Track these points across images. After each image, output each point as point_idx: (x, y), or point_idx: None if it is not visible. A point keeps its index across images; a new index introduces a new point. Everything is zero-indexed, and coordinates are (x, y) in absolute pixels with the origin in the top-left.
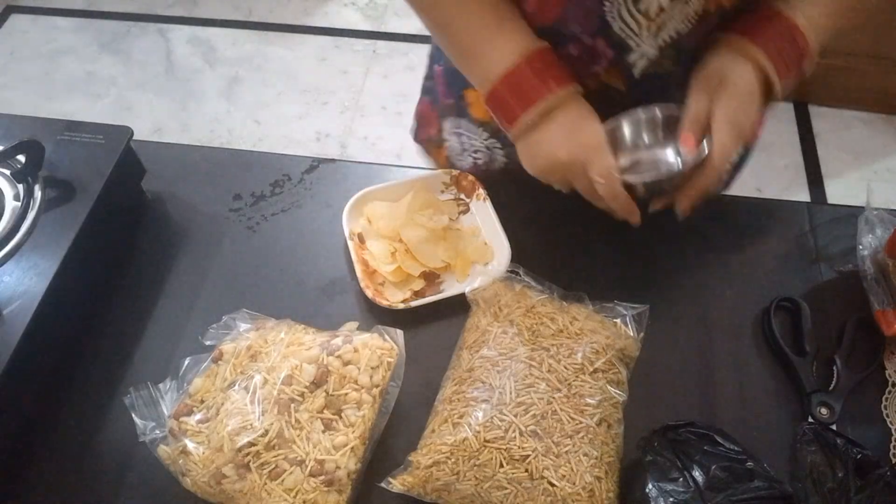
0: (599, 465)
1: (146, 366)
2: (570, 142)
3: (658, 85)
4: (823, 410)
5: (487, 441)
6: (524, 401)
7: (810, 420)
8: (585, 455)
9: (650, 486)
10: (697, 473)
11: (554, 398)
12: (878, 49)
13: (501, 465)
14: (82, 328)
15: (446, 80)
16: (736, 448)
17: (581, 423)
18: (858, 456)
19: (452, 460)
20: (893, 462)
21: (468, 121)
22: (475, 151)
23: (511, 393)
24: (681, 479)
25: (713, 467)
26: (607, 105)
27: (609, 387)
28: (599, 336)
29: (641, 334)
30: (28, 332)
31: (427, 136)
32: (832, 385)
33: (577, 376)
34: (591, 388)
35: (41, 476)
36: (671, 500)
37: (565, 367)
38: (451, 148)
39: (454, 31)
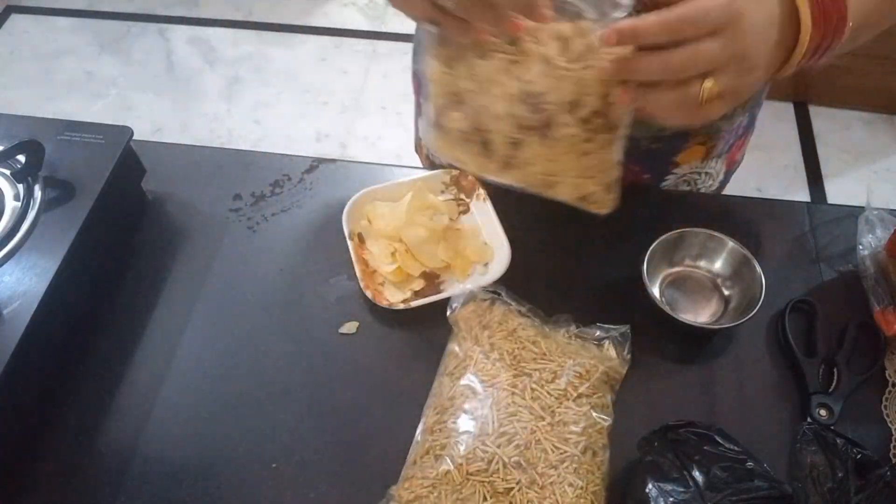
0: (585, 495)
1: (146, 366)
2: None
3: None
4: (822, 412)
5: (470, 474)
6: (507, 430)
7: (810, 420)
8: (570, 485)
9: (650, 486)
10: (697, 473)
11: (537, 427)
12: (878, 49)
13: (485, 499)
14: (82, 328)
15: (417, 81)
16: (736, 448)
17: (565, 451)
18: (858, 456)
19: (435, 494)
20: (893, 462)
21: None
22: None
23: (494, 423)
24: (681, 479)
25: (713, 467)
26: None
27: (594, 412)
28: (583, 359)
29: (628, 355)
30: (28, 332)
31: (415, 140)
32: (832, 387)
33: (560, 403)
34: (574, 414)
35: (41, 476)
36: (671, 500)
37: (548, 394)
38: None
39: None
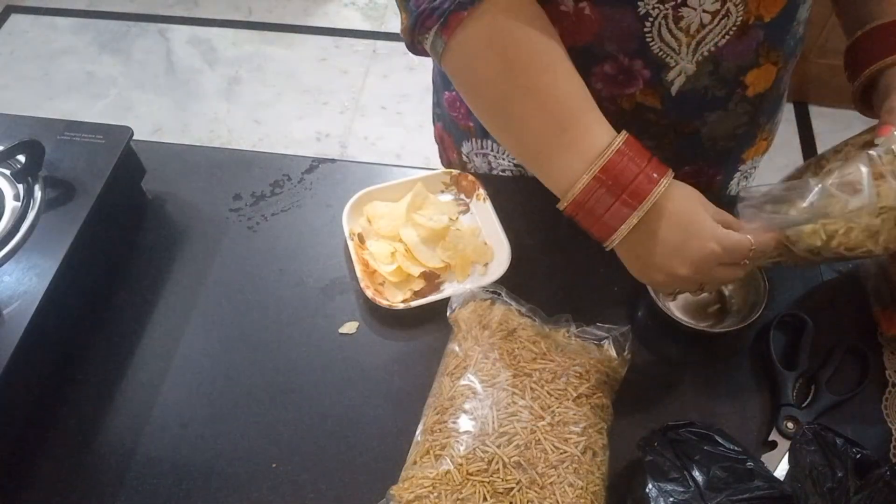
0: (585, 495)
1: (146, 366)
2: (689, 251)
3: (694, 101)
4: (790, 424)
5: (470, 474)
6: (507, 430)
7: (788, 425)
8: (570, 486)
9: (650, 486)
10: (697, 473)
11: (537, 427)
12: None
13: (485, 499)
14: (82, 328)
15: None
16: (736, 448)
17: (565, 451)
18: (858, 456)
19: (435, 494)
20: (893, 462)
21: (493, 141)
22: (503, 171)
23: (494, 423)
24: (681, 479)
25: (713, 467)
26: (641, 124)
27: (593, 412)
28: (583, 359)
29: (628, 355)
30: (28, 332)
31: (449, 160)
32: (806, 402)
33: (560, 403)
34: (574, 414)
35: (41, 476)
36: (671, 500)
37: (548, 394)
38: (477, 167)
39: (522, 129)
